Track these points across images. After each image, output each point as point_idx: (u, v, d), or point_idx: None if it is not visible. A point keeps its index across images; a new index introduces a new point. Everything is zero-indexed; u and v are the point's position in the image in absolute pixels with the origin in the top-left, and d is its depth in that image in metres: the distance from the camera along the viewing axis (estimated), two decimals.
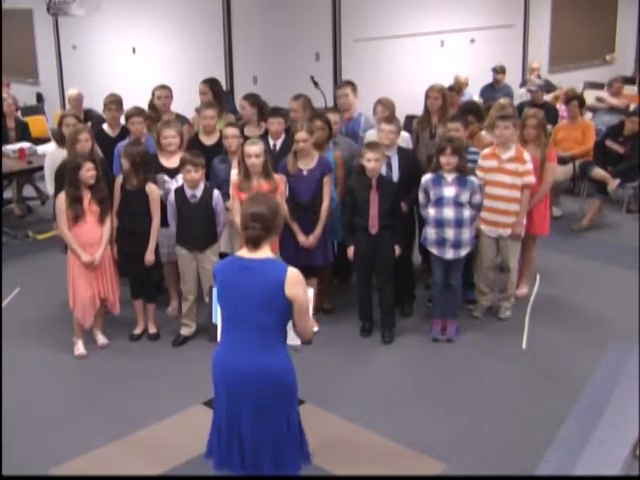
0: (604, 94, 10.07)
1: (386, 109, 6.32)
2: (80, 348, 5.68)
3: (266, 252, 3.53)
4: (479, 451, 4.46)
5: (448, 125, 6.03)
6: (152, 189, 5.68)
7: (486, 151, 6.00)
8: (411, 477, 4.26)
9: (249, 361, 3.47)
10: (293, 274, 3.47)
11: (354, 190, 5.70)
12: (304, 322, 3.53)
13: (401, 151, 6.00)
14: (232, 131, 5.97)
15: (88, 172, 5.43)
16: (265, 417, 3.52)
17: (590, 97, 10.37)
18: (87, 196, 5.51)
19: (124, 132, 6.62)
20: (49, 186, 6.43)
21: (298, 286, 3.47)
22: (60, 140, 6.45)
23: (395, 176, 5.89)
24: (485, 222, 5.94)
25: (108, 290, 5.68)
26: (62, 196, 5.53)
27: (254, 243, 3.51)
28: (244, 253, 3.56)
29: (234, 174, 5.70)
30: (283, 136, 6.27)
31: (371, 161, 5.53)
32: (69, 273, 5.63)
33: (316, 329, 5.43)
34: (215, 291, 3.65)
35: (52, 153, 6.58)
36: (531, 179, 5.90)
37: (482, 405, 4.95)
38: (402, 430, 4.64)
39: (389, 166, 5.87)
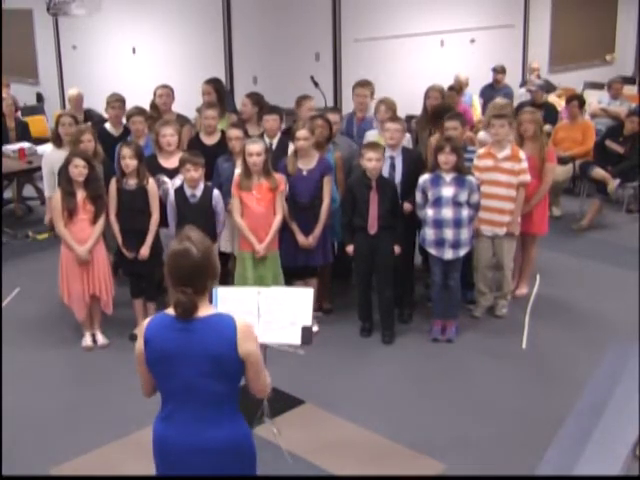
0: (605, 98, 10.05)
1: (389, 109, 6.32)
2: (87, 340, 5.72)
3: (206, 307, 2.90)
4: (479, 451, 4.46)
5: (445, 124, 6.01)
6: (152, 185, 5.69)
7: (481, 151, 6.01)
8: (411, 477, 4.25)
9: (202, 439, 2.89)
10: (244, 327, 2.87)
11: (354, 190, 5.69)
12: (260, 379, 2.96)
13: (406, 151, 5.97)
14: (236, 133, 5.97)
15: (76, 168, 5.42)
16: None
17: (590, 97, 10.36)
18: (82, 194, 5.51)
19: (126, 131, 6.63)
20: (46, 187, 6.42)
21: (251, 340, 2.88)
22: (56, 140, 6.43)
23: (398, 177, 5.84)
24: (481, 221, 5.94)
25: (101, 288, 5.67)
26: (58, 193, 5.55)
27: (189, 312, 2.84)
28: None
29: (238, 174, 5.69)
30: (279, 135, 6.27)
31: (372, 161, 5.52)
32: (61, 269, 5.65)
33: (316, 329, 5.44)
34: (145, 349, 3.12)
35: (49, 154, 6.57)
36: (527, 177, 5.91)
37: (482, 405, 4.95)
38: (402, 430, 4.64)
39: (392, 167, 5.83)
